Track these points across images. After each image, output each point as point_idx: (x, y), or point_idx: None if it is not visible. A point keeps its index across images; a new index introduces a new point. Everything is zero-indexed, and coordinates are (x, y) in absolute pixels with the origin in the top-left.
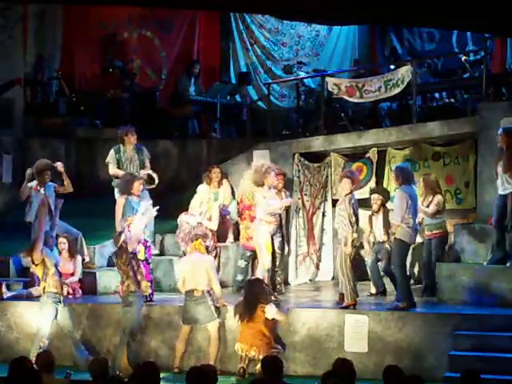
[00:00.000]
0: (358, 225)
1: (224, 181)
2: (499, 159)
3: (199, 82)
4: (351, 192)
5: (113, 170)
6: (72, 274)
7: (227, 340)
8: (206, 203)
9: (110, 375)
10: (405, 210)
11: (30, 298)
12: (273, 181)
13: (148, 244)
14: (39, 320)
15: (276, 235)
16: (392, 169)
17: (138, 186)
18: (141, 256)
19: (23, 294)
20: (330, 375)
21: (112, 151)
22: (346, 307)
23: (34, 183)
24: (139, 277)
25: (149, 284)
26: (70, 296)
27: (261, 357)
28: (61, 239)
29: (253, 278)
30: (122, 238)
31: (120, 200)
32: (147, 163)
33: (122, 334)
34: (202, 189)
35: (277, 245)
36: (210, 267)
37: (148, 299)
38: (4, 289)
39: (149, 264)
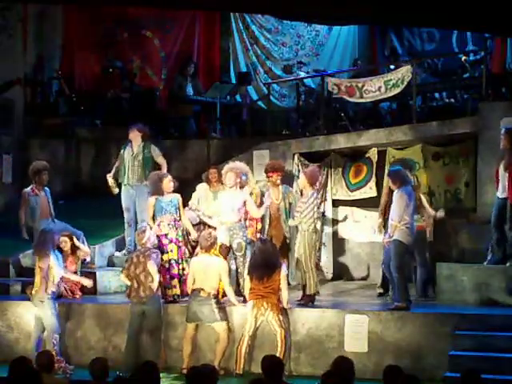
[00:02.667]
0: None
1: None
2: (501, 159)
3: (197, 82)
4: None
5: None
6: (74, 273)
7: (228, 340)
8: (204, 201)
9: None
10: (404, 211)
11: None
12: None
13: (180, 244)
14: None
15: (235, 236)
16: None
17: (167, 183)
18: (173, 255)
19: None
20: (329, 375)
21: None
22: (305, 300)
23: (29, 188)
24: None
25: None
26: (70, 296)
27: (272, 313)
28: (62, 238)
29: (264, 238)
30: (146, 236)
31: (150, 200)
32: (160, 160)
33: (154, 333)
34: (201, 187)
35: (234, 246)
36: (223, 270)
37: (174, 299)
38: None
39: (179, 264)
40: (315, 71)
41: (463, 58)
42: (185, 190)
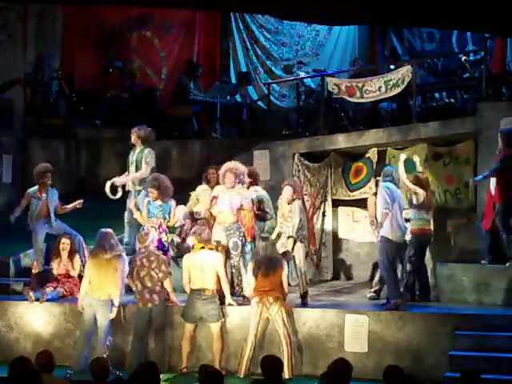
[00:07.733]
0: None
1: None
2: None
3: (199, 83)
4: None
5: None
6: (71, 275)
7: (228, 340)
8: (202, 201)
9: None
10: (379, 211)
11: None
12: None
13: (165, 248)
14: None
15: (232, 235)
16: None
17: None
18: None
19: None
20: (325, 376)
21: None
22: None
23: (34, 189)
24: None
25: None
26: (69, 297)
27: (276, 307)
28: (64, 239)
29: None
30: (150, 238)
31: (144, 201)
32: (143, 167)
33: (159, 334)
34: (201, 188)
35: (230, 245)
36: (219, 265)
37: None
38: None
39: None
40: (315, 71)
41: (463, 57)
42: (185, 190)
